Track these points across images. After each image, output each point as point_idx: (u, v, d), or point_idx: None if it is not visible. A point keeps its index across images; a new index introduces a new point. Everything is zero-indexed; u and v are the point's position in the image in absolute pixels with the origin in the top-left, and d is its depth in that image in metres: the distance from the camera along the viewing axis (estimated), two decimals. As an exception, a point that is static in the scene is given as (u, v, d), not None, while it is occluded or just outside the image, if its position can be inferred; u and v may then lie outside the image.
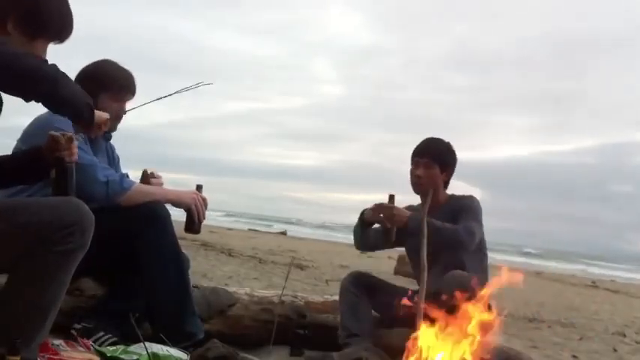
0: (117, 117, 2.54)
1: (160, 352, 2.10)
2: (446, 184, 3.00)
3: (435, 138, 3.02)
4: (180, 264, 2.47)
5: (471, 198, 2.97)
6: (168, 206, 2.52)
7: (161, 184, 2.64)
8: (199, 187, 2.65)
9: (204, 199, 2.59)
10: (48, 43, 1.81)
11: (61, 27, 1.82)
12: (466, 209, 2.87)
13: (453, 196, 3.01)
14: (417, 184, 2.94)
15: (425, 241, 2.62)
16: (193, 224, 2.58)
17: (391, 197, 2.89)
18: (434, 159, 2.92)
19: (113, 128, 2.60)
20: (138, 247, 2.40)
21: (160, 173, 2.66)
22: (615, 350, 4.69)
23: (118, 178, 2.42)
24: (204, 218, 2.60)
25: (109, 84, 2.51)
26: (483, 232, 2.90)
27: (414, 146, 3.00)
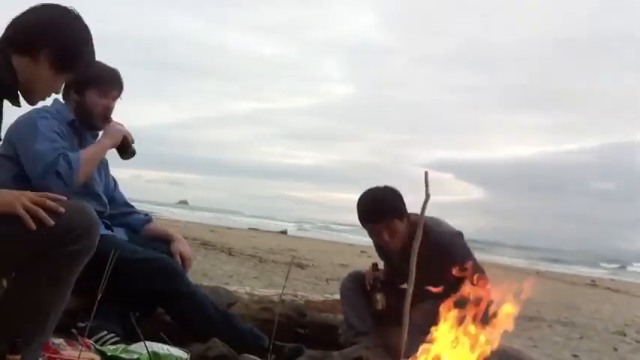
0: (103, 113, 2.61)
1: (161, 352, 2.10)
2: (408, 218, 2.84)
3: (374, 194, 2.86)
4: (209, 303, 2.55)
5: (451, 243, 2.82)
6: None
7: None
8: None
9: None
10: (68, 79, 1.92)
11: (84, 71, 1.96)
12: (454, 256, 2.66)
13: (424, 228, 2.65)
14: (392, 247, 2.83)
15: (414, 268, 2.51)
16: (129, 147, 2.64)
17: (374, 265, 2.93)
18: (388, 218, 2.79)
19: (100, 125, 2.65)
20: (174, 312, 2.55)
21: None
22: (616, 349, 4.69)
23: (64, 165, 2.40)
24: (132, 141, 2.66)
25: (95, 81, 2.57)
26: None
27: (358, 208, 2.85)
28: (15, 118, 2.55)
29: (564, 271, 20.26)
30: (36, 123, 2.46)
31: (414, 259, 2.42)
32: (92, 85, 2.57)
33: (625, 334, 5.63)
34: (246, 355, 2.36)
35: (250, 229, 22.89)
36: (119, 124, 2.64)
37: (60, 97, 2.59)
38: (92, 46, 1.92)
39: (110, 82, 2.62)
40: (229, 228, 19.10)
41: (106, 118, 2.63)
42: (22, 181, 2.38)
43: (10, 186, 2.03)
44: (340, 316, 3.03)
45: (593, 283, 14.41)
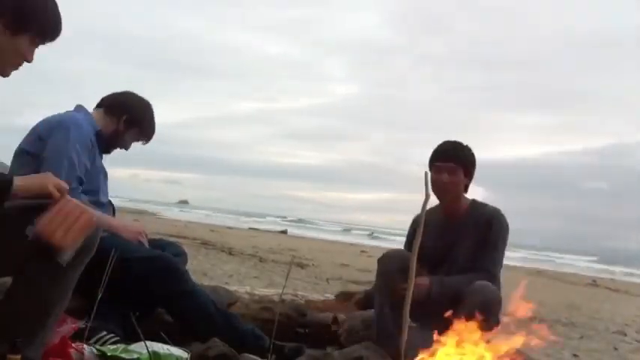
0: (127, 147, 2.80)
1: (161, 351, 2.10)
2: (466, 187, 2.90)
3: (455, 141, 2.89)
4: (211, 303, 2.57)
5: (498, 216, 2.85)
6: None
7: None
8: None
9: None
10: (33, 41, 1.78)
11: (45, 25, 1.79)
12: (493, 238, 2.79)
13: (475, 204, 2.92)
14: (443, 191, 2.82)
15: (417, 246, 2.52)
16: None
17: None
18: (458, 163, 2.81)
19: (110, 150, 2.77)
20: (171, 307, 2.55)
21: None
22: (616, 349, 4.69)
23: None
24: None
25: (144, 125, 2.80)
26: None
27: (434, 149, 2.88)
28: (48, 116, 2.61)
29: (565, 271, 20.26)
30: (69, 128, 2.50)
31: (415, 258, 2.42)
32: (139, 126, 2.76)
33: (625, 334, 5.63)
34: (247, 355, 2.36)
35: (250, 228, 22.90)
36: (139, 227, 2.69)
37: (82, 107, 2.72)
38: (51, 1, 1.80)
39: (152, 132, 2.82)
40: (229, 228, 19.10)
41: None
42: None
43: None
44: (341, 315, 3.03)
45: (593, 283, 14.41)
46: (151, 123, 2.81)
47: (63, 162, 2.43)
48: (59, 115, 2.61)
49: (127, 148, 2.80)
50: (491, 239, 2.79)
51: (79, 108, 2.70)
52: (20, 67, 1.80)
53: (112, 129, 2.71)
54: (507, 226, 2.86)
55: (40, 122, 2.58)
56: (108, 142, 2.71)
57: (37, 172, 2.32)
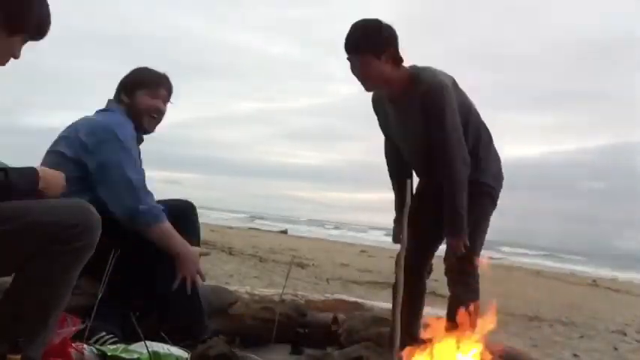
0: (152, 113, 2.64)
1: (161, 351, 2.10)
2: (394, 61, 2.62)
3: (356, 24, 2.62)
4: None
5: (433, 90, 2.58)
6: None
7: None
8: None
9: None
10: (23, 39, 1.79)
11: (39, 24, 1.81)
12: (436, 120, 2.58)
13: (413, 76, 2.65)
14: (363, 83, 2.67)
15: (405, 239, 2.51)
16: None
17: None
18: (361, 50, 2.58)
19: (151, 129, 2.68)
20: (154, 257, 2.48)
21: None
22: (616, 349, 4.69)
23: (155, 210, 2.46)
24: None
25: (144, 82, 2.65)
26: (458, 120, 2.62)
27: None
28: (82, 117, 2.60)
29: (565, 271, 20.26)
30: (116, 134, 2.46)
31: (405, 222, 2.42)
32: (142, 87, 2.63)
33: (625, 334, 5.62)
34: (248, 354, 2.37)
35: (251, 228, 22.90)
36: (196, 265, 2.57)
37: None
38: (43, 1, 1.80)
39: (159, 84, 2.67)
40: (230, 227, 19.09)
41: (157, 117, 2.67)
42: (77, 183, 2.36)
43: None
44: (341, 315, 3.03)
45: (593, 283, 14.40)
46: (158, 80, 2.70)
47: (138, 192, 2.42)
48: (96, 115, 2.60)
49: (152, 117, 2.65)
50: (434, 121, 2.60)
51: (110, 102, 2.66)
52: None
53: (131, 107, 2.63)
54: (445, 94, 2.58)
55: (80, 123, 2.53)
56: (136, 125, 2.62)
57: (77, 178, 2.38)
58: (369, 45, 2.58)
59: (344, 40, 2.62)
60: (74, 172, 2.36)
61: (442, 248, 2.78)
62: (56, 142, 2.53)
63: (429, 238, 2.80)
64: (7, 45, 1.75)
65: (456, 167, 2.60)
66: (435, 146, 2.64)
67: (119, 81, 2.69)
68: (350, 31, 2.61)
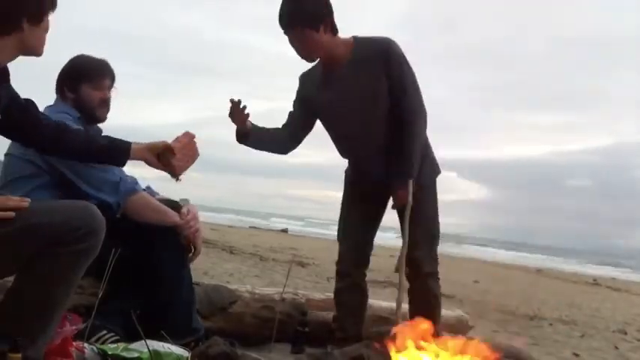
0: (101, 104, 2.59)
1: (162, 350, 2.10)
2: (332, 30, 2.60)
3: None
4: (188, 263, 2.57)
5: (390, 45, 2.59)
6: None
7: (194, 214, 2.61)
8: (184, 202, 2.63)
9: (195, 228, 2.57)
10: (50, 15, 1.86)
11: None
12: (397, 72, 2.57)
13: (358, 41, 2.64)
14: (305, 59, 2.65)
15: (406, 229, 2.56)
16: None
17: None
18: (296, 24, 2.54)
19: (103, 118, 2.64)
20: (151, 252, 2.46)
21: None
22: (616, 348, 4.69)
23: (129, 180, 2.47)
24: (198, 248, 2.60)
25: (86, 75, 2.58)
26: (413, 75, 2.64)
27: None
28: None
29: (566, 270, 20.25)
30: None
31: (406, 222, 2.43)
32: (85, 80, 2.57)
33: (626, 333, 5.63)
34: (248, 354, 2.36)
35: (251, 227, 22.88)
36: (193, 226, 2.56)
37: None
38: None
39: (101, 74, 2.62)
40: (230, 226, 19.09)
41: (106, 106, 2.62)
42: (49, 188, 2.37)
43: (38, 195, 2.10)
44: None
45: (594, 282, 14.40)
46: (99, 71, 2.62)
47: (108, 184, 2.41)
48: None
49: (98, 105, 2.60)
50: (395, 75, 2.60)
51: (57, 100, 2.61)
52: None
53: (77, 102, 2.58)
54: (403, 53, 2.63)
55: None
56: (87, 117, 2.59)
57: (47, 184, 2.37)
58: (307, 19, 2.52)
59: (278, 16, 2.54)
60: (29, 170, 2.38)
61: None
62: (11, 145, 2.48)
63: (361, 235, 2.87)
64: (40, 32, 1.83)
65: (419, 119, 2.63)
66: (396, 99, 2.60)
67: (59, 74, 2.62)
68: (283, 5, 2.54)
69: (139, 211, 2.45)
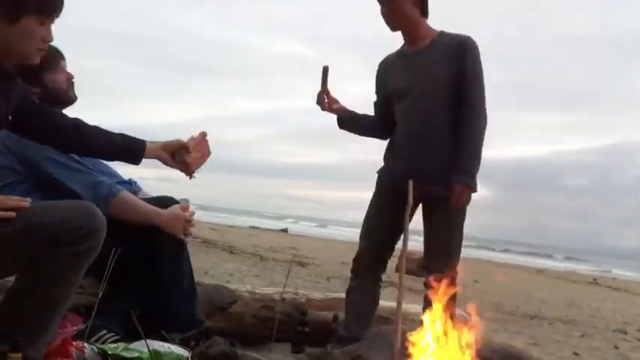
0: (70, 84, 2.53)
1: (162, 350, 2.10)
2: (422, 10, 2.69)
3: None
4: (188, 257, 2.57)
5: (472, 43, 2.64)
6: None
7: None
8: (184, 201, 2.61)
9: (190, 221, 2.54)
10: (39, 20, 1.78)
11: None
12: (471, 68, 2.61)
13: (443, 33, 2.71)
14: (389, 24, 2.70)
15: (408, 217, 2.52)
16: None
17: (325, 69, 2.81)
18: None
19: (74, 96, 2.56)
20: (151, 252, 2.46)
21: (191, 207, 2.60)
22: (616, 347, 4.69)
23: (107, 183, 2.45)
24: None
25: (42, 65, 2.27)
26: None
27: None
28: None
29: (566, 270, 20.26)
30: None
31: (407, 222, 2.42)
32: (43, 69, 2.42)
33: (626, 332, 5.63)
34: (248, 353, 2.37)
35: (251, 227, 22.90)
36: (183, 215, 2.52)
37: None
38: None
39: (54, 56, 2.50)
40: (230, 226, 19.10)
41: (73, 85, 2.56)
42: (35, 191, 2.33)
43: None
44: (341, 314, 3.03)
45: (594, 282, 14.41)
46: None
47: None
48: None
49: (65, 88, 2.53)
50: (469, 69, 2.62)
51: None
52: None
53: (46, 92, 2.48)
54: (479, 52, 2.67)
55: None
56: (59, 103, 2.49)
57: (33, 189, 2.33)
58: None
59: None
60: (9, 179, 2.36)
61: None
62: None
63: (385, 236, 2.80)
64: (17, 32, 1.75)
65: (482, 117, 2.63)
66: (464, 92, 2.61)
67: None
68: None
69: (120, 214, 2.40)
